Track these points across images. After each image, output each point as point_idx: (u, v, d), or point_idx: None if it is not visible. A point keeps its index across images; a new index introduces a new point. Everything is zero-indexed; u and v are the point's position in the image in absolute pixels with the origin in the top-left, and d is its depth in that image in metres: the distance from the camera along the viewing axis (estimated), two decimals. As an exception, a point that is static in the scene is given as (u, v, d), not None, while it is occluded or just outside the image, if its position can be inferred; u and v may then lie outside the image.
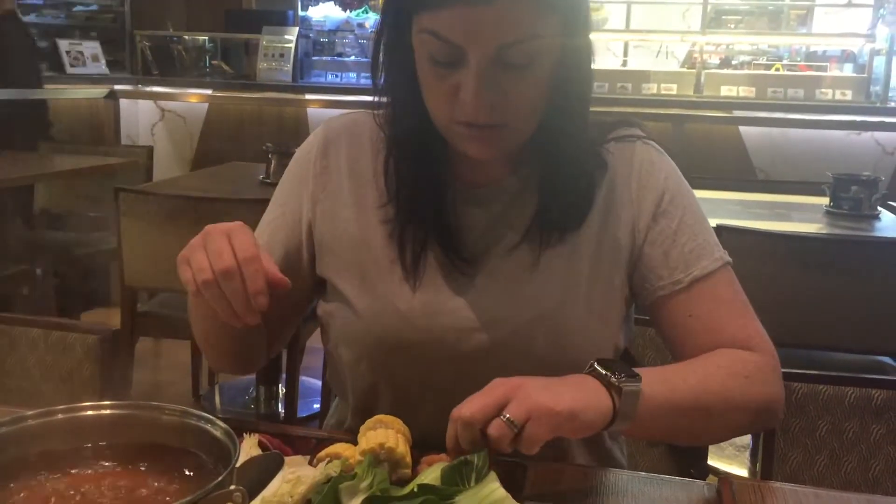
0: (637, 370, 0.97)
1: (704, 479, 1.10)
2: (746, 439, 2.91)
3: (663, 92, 5.27)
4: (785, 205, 3.13)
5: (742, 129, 4.72)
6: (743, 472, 2.60)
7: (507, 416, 0.88)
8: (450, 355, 1.11)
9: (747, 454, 2.93)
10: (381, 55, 1.09)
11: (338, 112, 1.24)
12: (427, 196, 1.12)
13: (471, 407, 0.90)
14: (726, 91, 5.21)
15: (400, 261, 1.12)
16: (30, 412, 0.71)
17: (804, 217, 2.90)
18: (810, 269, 2.30)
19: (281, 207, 1.21)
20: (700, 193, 3.00)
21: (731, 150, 4.71)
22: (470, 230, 1.13)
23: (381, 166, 1.15)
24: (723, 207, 2.91)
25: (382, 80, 1.10)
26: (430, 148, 1.11)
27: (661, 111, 4.84)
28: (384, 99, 1.12)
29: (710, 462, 2.39)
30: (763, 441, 1.31)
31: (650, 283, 1.12)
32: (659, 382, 1.00)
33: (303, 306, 1.24)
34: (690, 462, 1.43)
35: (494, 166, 1.13)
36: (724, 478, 1.06)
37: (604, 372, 0.96)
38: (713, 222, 2.34)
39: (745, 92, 5.18)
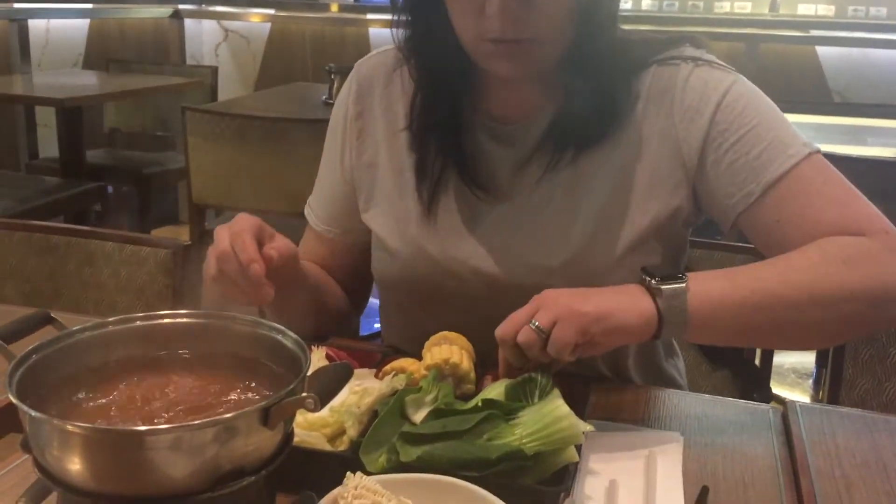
0: (694, 273, 0.95)
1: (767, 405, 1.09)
2: (810, 366, 2.88)
3: (737, 10, 5.06)
4: (862, 129, 3.02)
5: (819, 49, 4.53)
6: (805, 400, 2.58)
7: (536, 323, 0.90)
8: (477, 296, 1.11)
9: (810, 382, 2.91)
10: None
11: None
12: (446, 122, 1.11)
13: (504, 324, 0.93)
14: (803, 9, 4.98)
15: (418, 192, 1.13)
16: (111, 318, 0.73)
17: (881, 141, 2.80)
18: (887, 195, 2.22)
19: (327, 164, 1.23)
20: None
21: (806, 72, 4.53)
22: (495, 167, 1.12)
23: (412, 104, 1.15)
24: (799, 131, 2.82)
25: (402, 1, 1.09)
26: (451, 74, 1.10)
27: (734, 31, 4.66)
28: (404, 17, 1.10)
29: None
30: (830, 367, 1.30)
31: (722, 204, 1.06)
32: (718, 279, 0.96)
33: (359, 264, 1.25)
34: (753, 387, 1.42)
35: (524, 100, 1.11)
36: (791, 401, 1.06)
37: (645, 277, 0.94)
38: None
39: (824, 10, 4.94)
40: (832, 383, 1.30)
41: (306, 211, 1.27)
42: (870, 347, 1.28)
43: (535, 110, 1.11)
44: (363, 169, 1.19)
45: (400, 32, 1.11)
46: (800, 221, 1.01)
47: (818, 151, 1.04)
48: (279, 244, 0.99)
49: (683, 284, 0.92)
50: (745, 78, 1.09)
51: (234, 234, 0.95)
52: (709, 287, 0.94)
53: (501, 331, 0.92)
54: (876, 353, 1.28)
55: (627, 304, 0.92)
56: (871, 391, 1.29)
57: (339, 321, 1.26)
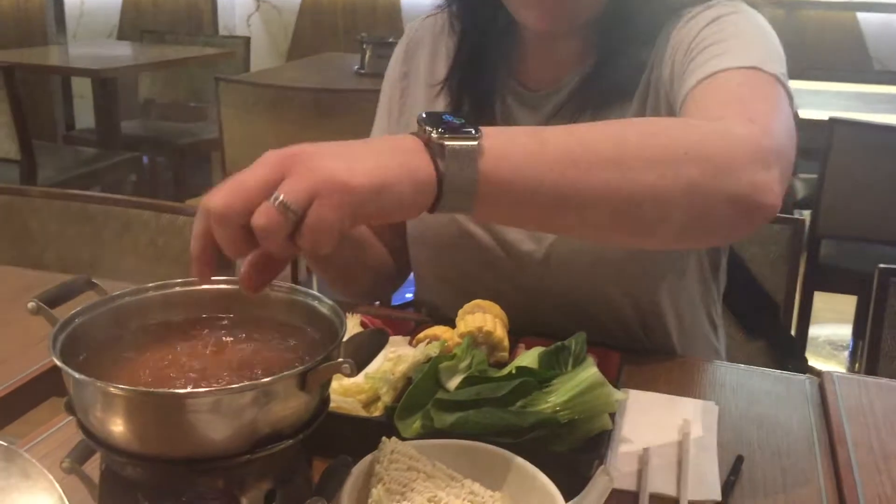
0: (493, 128, 0.69)
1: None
2: (846, 338, 2.85)
3: (776, -24, 4.95)
4: (903, 97, 2.95)
5: (860, 16, 4.42)
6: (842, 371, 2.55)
7: (281, 197, 0.59)
8: (505, 264, 1.12)
9: (846, 354, 2.88)
10: None
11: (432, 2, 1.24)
12: (481, 83, 1.12)
13: (224, 191, 0.61)
14: (845, -25, 4.86)
15: None
16: (150, 284, 0.74)
17: (923, 110, 2.73)
18: (928, 164, 2.18)
19: (377, 123, 1.25)
20: (812, 85, 2.90)
21: (847, 39, 4.44)
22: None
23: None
24: (836, 100, 2.77)
25: None
26: (491, 35, 1.11)
27: (773, -3, 4.57)
28: None
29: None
30: (868, 338, 1.28)
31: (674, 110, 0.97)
32: (522, 135, 0.72)
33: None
34: (788, 358, 1.41)
35: (558, 62, 1.11)
36: (827, 372, 1.05)
37: (426, 126, 0.67)
38: (824, 114, 2.26)
39: (866, -24, 4.82)
40: (870, 355, 1.28)
41: None
42: (910, 319, 1.27)
43: (566, 75, 1.11)
44: (402, 129, 1.20)
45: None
46: (702, 112, 0.87)
47: (776, 79, 0.89)
48: None
49: (475, 143, 0.66)
50: (753, 10, 1.01)
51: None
52: (508, 144, 0.69)
53: (222, 202, 0.61)
54: (916, 324, 1.27)
55: (402, 168, 0.64)
56: (910, 362, 1.27)
57: (381, 282, 1.26)
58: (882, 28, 4.41)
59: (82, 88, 4.59)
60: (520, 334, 1.02)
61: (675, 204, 0.73)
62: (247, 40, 4.36)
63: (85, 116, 4.48)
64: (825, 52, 4.28)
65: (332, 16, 5.30)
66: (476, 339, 0.98)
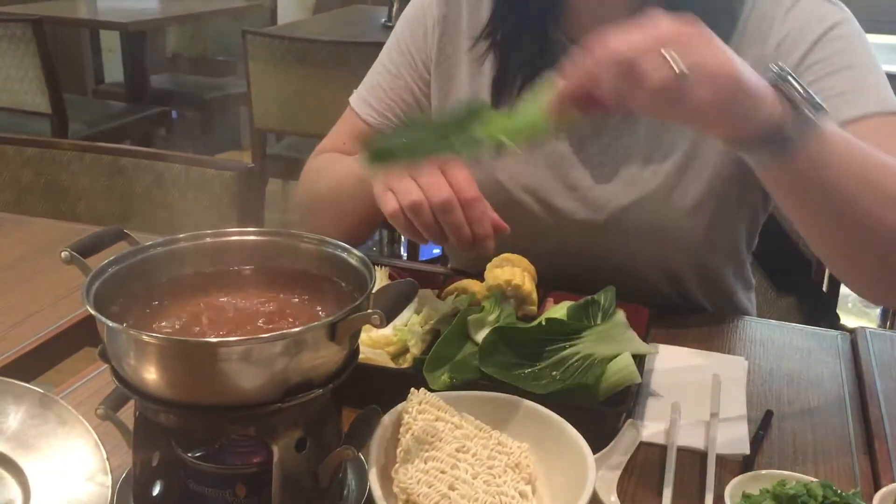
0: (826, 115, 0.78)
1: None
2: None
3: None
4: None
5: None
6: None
7: (676, 57, 0.67)
8: (545, 225, 1.09)
9: (877, 312, 2.85)
10: None
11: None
12: (529, 36, 1.07)
13: (624, 37, 0.69)
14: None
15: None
16: (182, 234, 0.75)
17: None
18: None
19: (397, 55, 1.18)
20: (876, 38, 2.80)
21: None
22: None
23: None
24: None
25: None
26: None
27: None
28: None
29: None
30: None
31: None
32: (841, 133, 0.81)
33: None
34: (819, 315, 1.40)
35: (614, 18, 1.05)
36: (860, 328, 1.04)
37: (792, 81, 0.74)
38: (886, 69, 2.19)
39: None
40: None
41: (354, 99, 1.21)
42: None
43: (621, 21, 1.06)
44: (441, 77, 1.15)
45: None
46: None
47: None
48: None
49: (822, 114, 0.76)
50: (853, 17, 1.02)
51: (469, 202, 0.90)
52: (835, 134, 0.79)
53: (618, 42, 0.69)
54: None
55: (769, 91, 0.73)
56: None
57: (361, 229, 1.19)
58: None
59: (111, 42, 4.58)
60: (548, 288, 1.02)
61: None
62: (274, -7, 4.33)
63: (114, 70, 4.48)
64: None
65: (360, -33, 5.24)
66: (504, 293, 0.98)
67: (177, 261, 0.74)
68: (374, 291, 0.68)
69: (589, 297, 0.92)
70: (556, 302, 0.99)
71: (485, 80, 1.11)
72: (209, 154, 3.93)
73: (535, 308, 0.99)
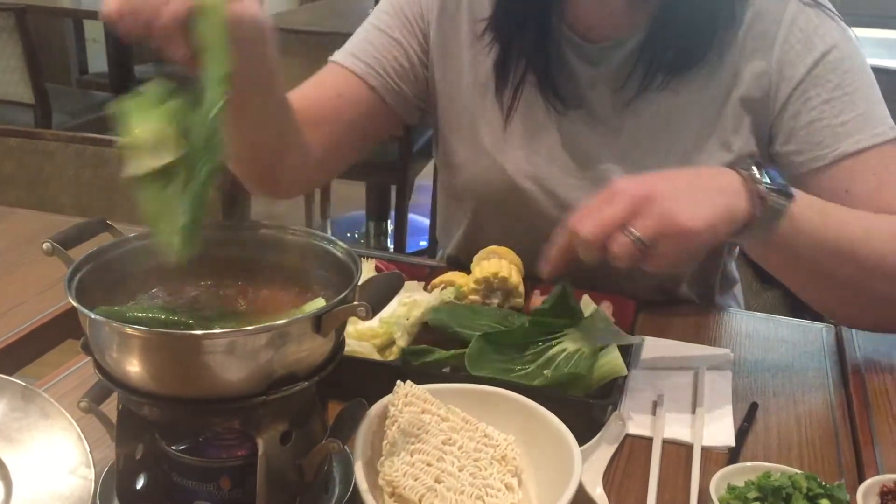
0: (798, 192, 0.86)
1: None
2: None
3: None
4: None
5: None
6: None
7: (637, 234, 0.78)
8: (547, 216, 1.07)
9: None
10: None
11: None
12: (531, 24, 1.05)
13: (592, 222, 0.80)
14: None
15: (497, 97, 1.08)
16: (165, 226, 0.74)
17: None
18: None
19: (387, 27, 1.12)
20: (862, 32, 2.81)
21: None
22: (579, 84, 1.06)
23: None
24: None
25: None
26: None
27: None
28: None
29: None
30: None
31: (787, 159, 1.02)
32: (813, 208, 0.88)
33: (371, 135, 1.15)
34: (804, 307, 1.40)
35: (615, 13, 1.05)
36: (845, 320, 1.04)
37: (754, 174, 0.83)
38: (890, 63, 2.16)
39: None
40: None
41: (335, 56, 1.12)
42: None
43: (625, 27, 1.04)
44: (441, 56, 1.12)
45: None
46: (870, 199, 0.96)
47: None
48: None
49: (786, 204, 0.84)
50: (850, 33, 1.02)
51: None
52: (805, 214, 0.86)
53: (588, 229, 0.80)
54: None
55: (728, 211, 0.81)
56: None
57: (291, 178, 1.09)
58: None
59: (95, 32, 4.55)
60: (535, 281, 1.02)
61: (885, 316, 0.95)
62: (260, -17, 4.30)
63: (98, 60, 4.44)
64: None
65: (346, -43, 5.21)
66: (492, 285, 0.98)
67: (160, 252, 0.73)
68: (360, 284, 0.68)
69: (558, 291, 0.91)
70: (543, 294, 0.99)
71: (487, 63, 1.10)
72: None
73: (521, 300, 0.99)
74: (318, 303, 0.68)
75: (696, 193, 0.81)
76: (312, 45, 2.76)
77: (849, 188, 0.98)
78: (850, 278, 0.90)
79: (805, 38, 1.00)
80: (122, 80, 3.75)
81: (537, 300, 1.00)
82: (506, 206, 1.10)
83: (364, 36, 1.13)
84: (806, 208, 0.86)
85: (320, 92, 1.10)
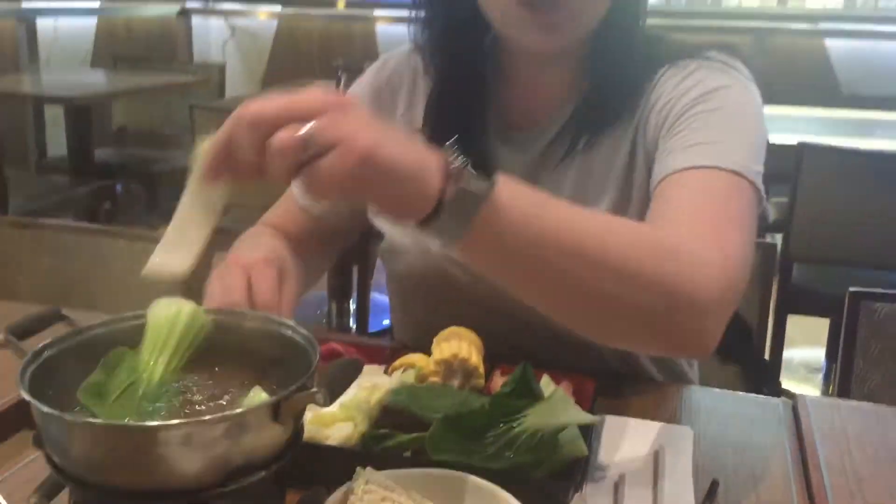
0: (507, 181, 0.73)
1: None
2: (820, 361, 2.88)
3: (745, 4, 5.05)
4: (870, 122, 3.01)
5: (828, 42, 4.51)
6: (816, 394, 2.57)
7: (310, 130, 0.63)
8: (486, 293, 1.08)
9: (820, 377, 2.90)
10: None
11: (405, 28, 1.21)
12: (461, 122, 1.09)
13: (265, 104, 0.65)
14: (812, 3, 4.96)
15: None
16: (125, 314, 0.74)
17: (890, 134, 2.79)
18: (894, 187, 2.22)
19: None
20: (781, 109, 2.94)
21: (815, 64, 4.52)
22: (507, 171, 1.09)
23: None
24: (804, 124, 2.81)
25: None
26: (469, 73, 1.09)
27: (742, 24, 4.66)
28: (423, 12, 1.10)
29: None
30: (841, 361, 1.29)
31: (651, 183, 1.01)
32: (528, 198, 0.76)
33: (339, 244, 1.24)
34: (762, 382, 1.42)
35: (544, 96, 1.09)
36: (801, 395, 1.05)
37: (451, 155, 0.71)
38: (793, 139, 2.29)
39: (833, 3, 4.92)
40: (842, 378, 1.29)
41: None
42: (880, 341, 1.28)
43: (552, 110, 1.09)
44: None
45: (418, 28, 1.11)
46: (671, 212, 0.91)
47: (752, 184, 0.94)
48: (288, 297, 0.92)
49: (487, 188, 0.71)
50: (747, 87, 1.04)
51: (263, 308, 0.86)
52: (516, 202, 0.73)
53: (259, 107, 0.65)
54: (887, 347, 1.28)
55: (419, 168, 0.68)
56: (882, 385, 1.28)
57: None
58: (849, 54, 4.49)
59: (55, 116, 4.56)
60: (495, 361, 1.02)
61: (626, 320, 0.81)
62: (222, 67, 4.36)
63: (58, 144, 4.45)
64: (794, 78, 4.35)
65: (308, 42, 5.32)
66: (452, 367, 0.98)
67: (117, 342, 0.73)
68: (318, 369, 0.68)
69: (518, 372, 0.92)
70: (504, 374, 0.99)
71: None
72: (156, 226, 3.90)
73: (482, 381, 0.99)
74: (258, 393, 0.68)
75: (390, 134, 0.68)
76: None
77: (662, 197, 0.94)
78: (578, 277, 0.77)
79: (692, 85, 1.03)
80: (81, 163, 3.75)
81: (498, 381, 1.00)
82: (444, 290, 1.12)
83: None
84: (516, 198, 0.73)
85: (293, 215, 1.18)
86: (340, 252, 1.26)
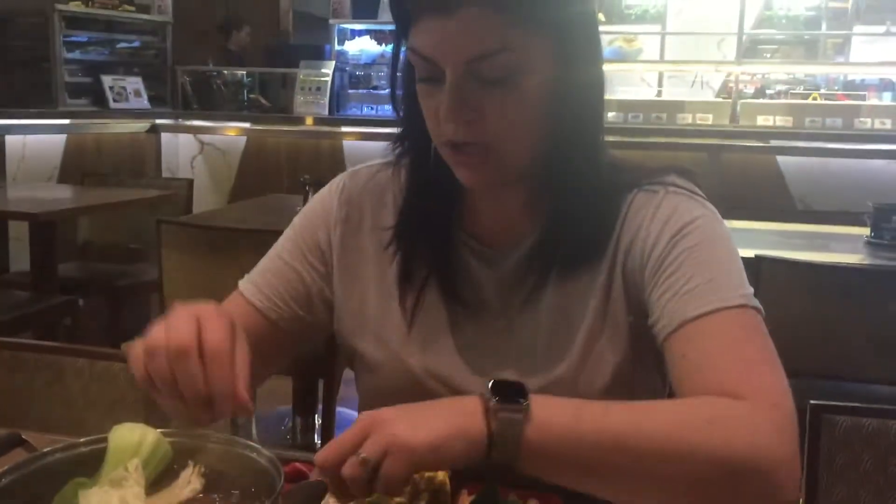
0: (540, 398, 0.84)
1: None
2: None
3: (699, 122, 5.23)
4: (824, 235, 3.09)
5: (780, 158, 4.68)
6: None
7: (362, 454, 0.79)
8: None
9: None
10: (396, 85, 1.09)
11: (374, 144, 1.25)
12: (432, 234, 1.11)
13: (327, 448, 0.81)
14: (763, 121, 5.17)
15: (400, 303, 1.12)
16: (81, 440, 0.73)
17: (844, 248, 2.86)
18: (850, 300, 2.27)
19: (288, 256, 1.18)
20: (737, 224, 3.02)
21: (768, 180, 4.67)
22: (480, 285, 1.12)
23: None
24: (761, 238, 2.88)
25: (403, 111, 1.10)
26: (439, 189, 1.10)
27: (697, 141, 4.81)
28: (400, 129, 1.13)
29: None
30: (806, 476, 1.29)
31: (654, 329, 1.03)
32: (564, 410, 0.85)
33: (288, 349, 1.21)
34: None
35: (509, 220, 1.11)
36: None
37: (488, 394, 0.83)
38: (750, 252, 2.35)
39: (782, 121, 5.14)
40: (808, 493, 1.29)
41: (242, 282, 1.18)
42: (842, 453, 1.29)
43: (519, 233, 1.10)
44: (346, 273, 1.16)
45: (394, 145, 1.14)
46: (698, 367, 0.95)
47: (756, 309, 0.98)
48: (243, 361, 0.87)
49: (520, 415, 0.82)
50: (715, 214, 1.07)
51: (214, 355, 0.83)
52: (551, 418, 0.83)
53: (322, 457, 0.80)
54: (849, 460, 1.28)
55: (461, 429, 0.82)
56: (846, 499, 1.28)
57: None
58: (800, 169, 4.66)
59: (19, 231, 4.53)
60: (462, 480, 1.01)
61: (701, 492, 0.85)
62: (190, 182, 4.39)
63: (21, 258, 4.41)
64: (749, 193, 4.49)
65: (276, 157, 5.41)
66: (418, 486, 0.96)
67: (77, 467, 0.72)
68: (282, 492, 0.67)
69: (485, 491, 0.91)
70: (471, 493, 0.98)
71: (392, 272, 1.14)
72: (118, 343, 3.84)
73: (448, 500, 0.97)
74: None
75: (424, 413, 0.83)
76: (241, 241, 2.80)
77: (685, 353, 0.97)
78: (631, 470, 0.84)
79: (665, 220, 1.05)
80: (43, 279, 3.71)
81: (465, 500, 0.99)
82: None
83: (268, 265, 1.19)
84: (552, 410, 0.84)
85: (244, 310, 1.16)
86: (289, 358, 1.22)
